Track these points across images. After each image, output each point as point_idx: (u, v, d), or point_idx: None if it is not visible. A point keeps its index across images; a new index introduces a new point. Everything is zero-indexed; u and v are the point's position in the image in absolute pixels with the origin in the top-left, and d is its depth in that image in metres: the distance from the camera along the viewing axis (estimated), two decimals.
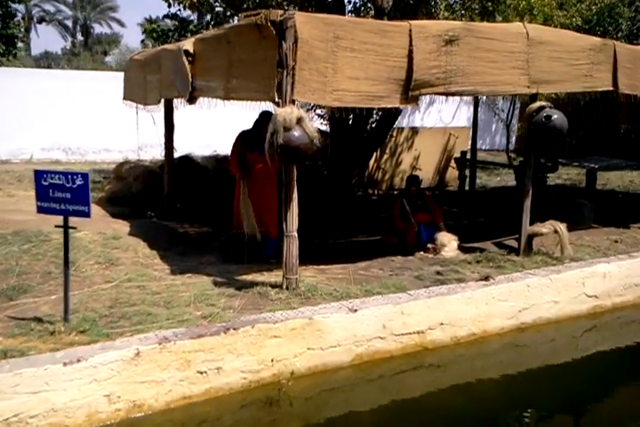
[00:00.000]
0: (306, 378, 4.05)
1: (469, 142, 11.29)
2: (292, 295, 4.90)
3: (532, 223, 6.44)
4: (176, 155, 8.77)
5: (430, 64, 5.31)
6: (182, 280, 5.29)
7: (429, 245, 6.58)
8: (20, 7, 42.97)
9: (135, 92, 7.69)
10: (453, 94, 5.72)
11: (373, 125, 9.69)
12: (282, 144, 4.46)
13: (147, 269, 5.57)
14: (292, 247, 4.97)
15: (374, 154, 10.83)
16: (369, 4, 9.66)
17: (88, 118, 13.97)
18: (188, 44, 5.72)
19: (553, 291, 5.18)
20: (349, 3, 9.58)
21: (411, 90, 5.30)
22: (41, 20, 45.27)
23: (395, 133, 11.03)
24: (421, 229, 6.77)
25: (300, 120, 4.50)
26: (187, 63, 5.66)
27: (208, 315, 4.43)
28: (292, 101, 4.67)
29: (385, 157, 11.05)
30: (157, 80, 6.73)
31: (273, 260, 5.96)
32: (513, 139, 19.42)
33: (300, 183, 9.11)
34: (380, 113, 9.38)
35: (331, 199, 8.66)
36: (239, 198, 6.12)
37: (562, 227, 6.29)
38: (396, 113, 9.39)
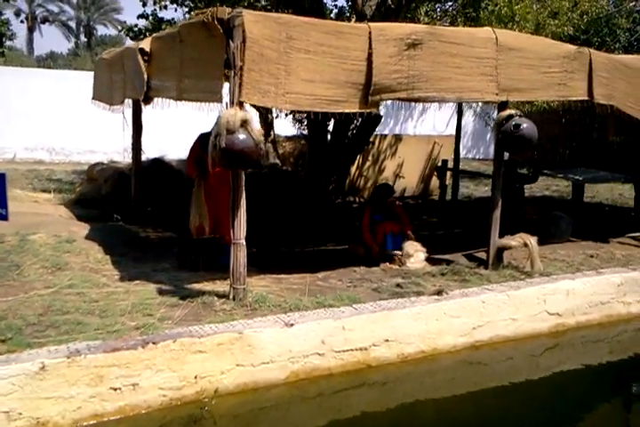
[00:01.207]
0: (235, 396, 3.82)
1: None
2: (238, 306, 4.69)
3: (502, 235, 6.23)
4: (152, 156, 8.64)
5: (391, 68, 5.11)
6: (127, 287, 5.08)
7: (395, 256, 6.36)
8: (24, 6, 43.06)
9: (102, 92, 7.53)
10: (417, 100, 5.53)
11: (354, 131, 9.51)
12: (224, 147, 4.26)
13: (93, 275, 5.36)
14: (239, 255, 4.76)
15: (356, 161, 10.67)
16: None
17: (73, 119, 13.83)
18: (144, 43, 5.56)
19: (511, 308, 4.95)
20: (335, 7, 9.42)
21: (371, 95, 5.10)
22: (44, 21, 45.38)
23: (378, 140, 10.84)
24: (388, 239, 6.56)
25: (244, 123, 4.30)
26: (142, 62, 5.49)
27: (142, 326, 4.21)
28: (240, 103, 4.47)
29: (367, 164, 10.86)
30: (121, 80, 6.55)
31: None
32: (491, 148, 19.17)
33: (276, 189, 9.07)
34: (359, 119, 9.20)
35: (306, 206, 8.48)
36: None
37: (532, 240, 6.06)
38: (376, 119, 9.21)
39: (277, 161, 10.40)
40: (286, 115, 9.58)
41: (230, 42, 4.38)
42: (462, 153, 20.44)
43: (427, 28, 5.27)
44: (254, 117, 4.39)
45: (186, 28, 4.96)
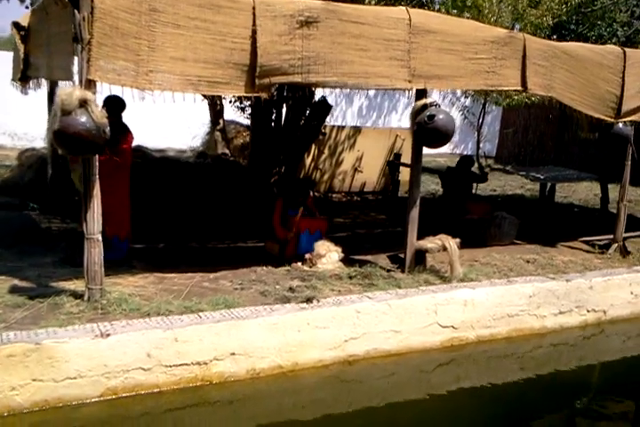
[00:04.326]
0: (32, 415, 3.35)
1: None
2: (89, 309, 4.21)
3: (422, 237, 5.70)
4: None
5: (281, 48, 4.58)
6: None
7: (307, 256, 5.85)
8: None
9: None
10: (315, 85, 5.02)
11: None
12: (57, 129, 3.76)
13: None
14: (93, 253, 4.27)
15: (311, 153, 10.15)
16: None
17: (37, 103, 13.37)
18: (22, 17, 5.06)
19: (392, 319, 4.42)
20: None
21: (257, 77, 4.57)
22: None
23: (335, 132, 10.30)
24: (302, 238, 6.05)
25: (84, 103, 3.79)
26: (17, 37, 5.00)
27: None
28: (89, 82, 3.97)
29: (323, 156, 10.31)
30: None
31: (127, 264, 5.36)
32: (486, 144, 18.62)
33: (213, 180, 8.57)
34: (308, 109, 8.68)
35: (242, 199, 7.99)
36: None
37: (452, 243, 5.53)
38: (324, 108, 8.69)
39: (226, 151, 9.90)
40: (230, 102, 9.06)
41: (76, 13, 3.88)
42: (449, 148, 20.12)
43: (323, 4, 4.72)
44: (95, 97, 3.86)
45: (47, 0, 4.46)
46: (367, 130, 10.97)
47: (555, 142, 16.05)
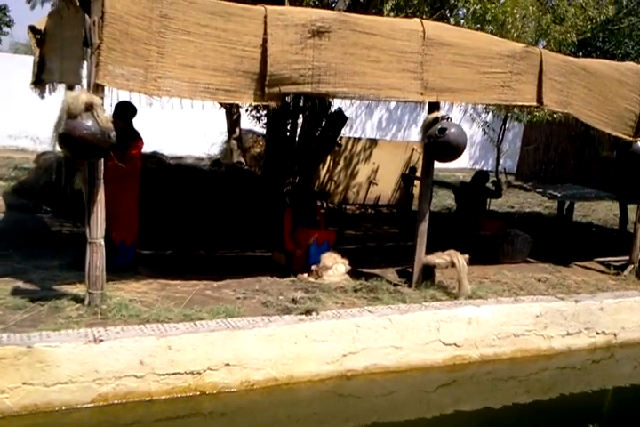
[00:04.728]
0: (21, 419, 3.32)
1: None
2: (89, 314, 4.20)
3: (433, 252, 5.61)
4: None
5: (291, 58, 4.56)
6: None
7: (313, 267, 5.79)
8: None
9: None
10: (325, 95, 4.97)
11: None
12: (62, 133, 3.76)
13: None
14: (95, 257, 4.26)
15: (326, 164, 10.12)
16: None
17: (58, 107, 13.57)
18: (39, 21, 5.11)
19: (393, 334, 4.32)
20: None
21: (267, 86, 4.55)
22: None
23: (350, 143, 10.26)
24: (311, 249, 5.98)
25: (90, 107, 3.79)
26: (33, 41, 5.05)
27: None
28: (97, 86, 3.98)
29: (338, 167, 10.28)
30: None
31: (133, 270, 5.35)
32: (507, 160, 18.49)
33: (226, 189, 8.56)
34: (324, 120, 8.66)
35: (254, 208, 7.96)
36: None
37: (460, 259, 5.43)
38: (340, 119, 8.66)
39: (242, 159, 9.90)
40: (246, 111, 9.08)
41: (86, 17, 3.90)
42: (469, 164, 19.97)
43: (336, 15, 4.70)
44: (101, 102, 3.86)
45: (61, 4, 4.50)
46: (383, 142, 10.92)
47: (576, 160, 15.93)
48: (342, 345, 4.15)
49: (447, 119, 5.16)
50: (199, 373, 3.72)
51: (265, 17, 4.44)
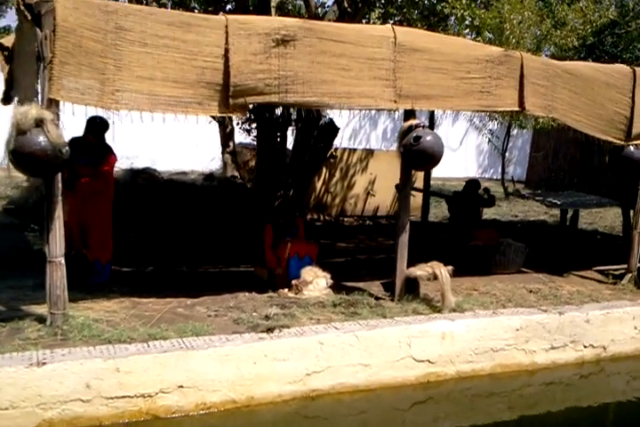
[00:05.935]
0: None
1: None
2: (49, 334, 4.08)
3: (413, 264, 5.44)
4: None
5: (256, 67, 4.45)
6: None
7: (293, 282, 5.64)
8: None
9: None
10: (293, 105, 4.85)
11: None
12: (12, 149, 3.67)
13: None
14: (55, 277, 4.16)
15: (322, 176, 9.99)
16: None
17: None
18: (7, 38, 5.07)
19: (360, 351, 4.12)
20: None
21: (231, 97, 4.44)
22: None
23: (346, 154, 10.12)
24: (291, 263, 5.83)
25: (41, 122, 3.70)
26: (1, 58, 5.01)
27: None
28: (50, 101, 3.90)
29: (334, 179, 10.14)
30: None
31: (108, 288, 5.25)
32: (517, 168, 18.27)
33: (217, 203, 8.46)
34: (315, 131, 8.54)
35: (241, 222, 7.85)
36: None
37: (443, 270, 5.24)
38: (331, 130, 8.55)
39: (236, 173, 9.80)
40: (238, 123, 8.99)
41: (38, 31, 3.83)
42: (478, 172, 19.70)
43: (301, 23, 4.58)
44: (53, 117, 3.77)
45: (19, 18, 4.44)
46: (380, 153, 10.75)
47: (584, 167, 15.61)
48: (305, 364, 3.97)
49: (422, 127, 5.01)
50: (150, 396, 3.56)
51: (226, 26, 4.34)
